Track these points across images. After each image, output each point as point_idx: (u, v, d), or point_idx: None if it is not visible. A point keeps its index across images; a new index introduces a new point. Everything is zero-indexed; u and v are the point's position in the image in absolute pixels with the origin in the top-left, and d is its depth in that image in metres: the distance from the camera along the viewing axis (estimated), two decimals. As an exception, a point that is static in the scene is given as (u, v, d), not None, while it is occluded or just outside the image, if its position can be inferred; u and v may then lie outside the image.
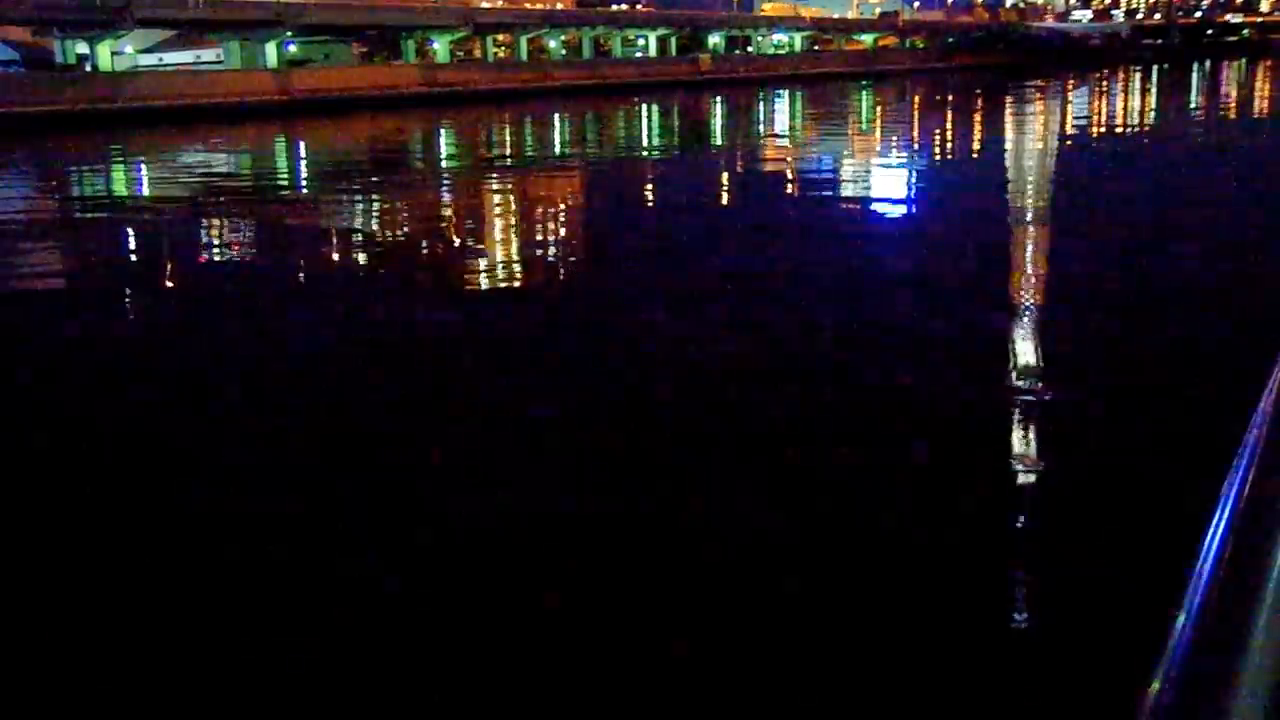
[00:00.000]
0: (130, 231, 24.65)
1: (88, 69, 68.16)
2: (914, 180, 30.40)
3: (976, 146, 43.05)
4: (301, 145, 50.40)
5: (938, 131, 49.80)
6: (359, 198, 30.27)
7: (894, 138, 46.17)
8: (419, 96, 74.02)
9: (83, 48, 69.66)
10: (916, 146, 41.69)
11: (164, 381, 11.84)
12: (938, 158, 37.71)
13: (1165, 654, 1.39)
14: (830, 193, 28.30)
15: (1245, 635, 1.43)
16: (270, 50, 75.51)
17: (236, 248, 22.59)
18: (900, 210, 25.11)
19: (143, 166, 41.10)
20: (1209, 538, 1.74)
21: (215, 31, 76.04)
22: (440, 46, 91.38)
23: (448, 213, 27.52)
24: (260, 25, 73.43)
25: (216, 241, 23.14)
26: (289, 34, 76.85)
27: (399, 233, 24.36)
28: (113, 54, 70.33)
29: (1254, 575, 1.57)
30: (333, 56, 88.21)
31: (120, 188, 35.38)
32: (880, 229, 22.51)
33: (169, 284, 18.49)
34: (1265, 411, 2.41)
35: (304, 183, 36.37)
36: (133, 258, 21.91)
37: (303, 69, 77.28)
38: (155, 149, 47.31)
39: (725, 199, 29.10)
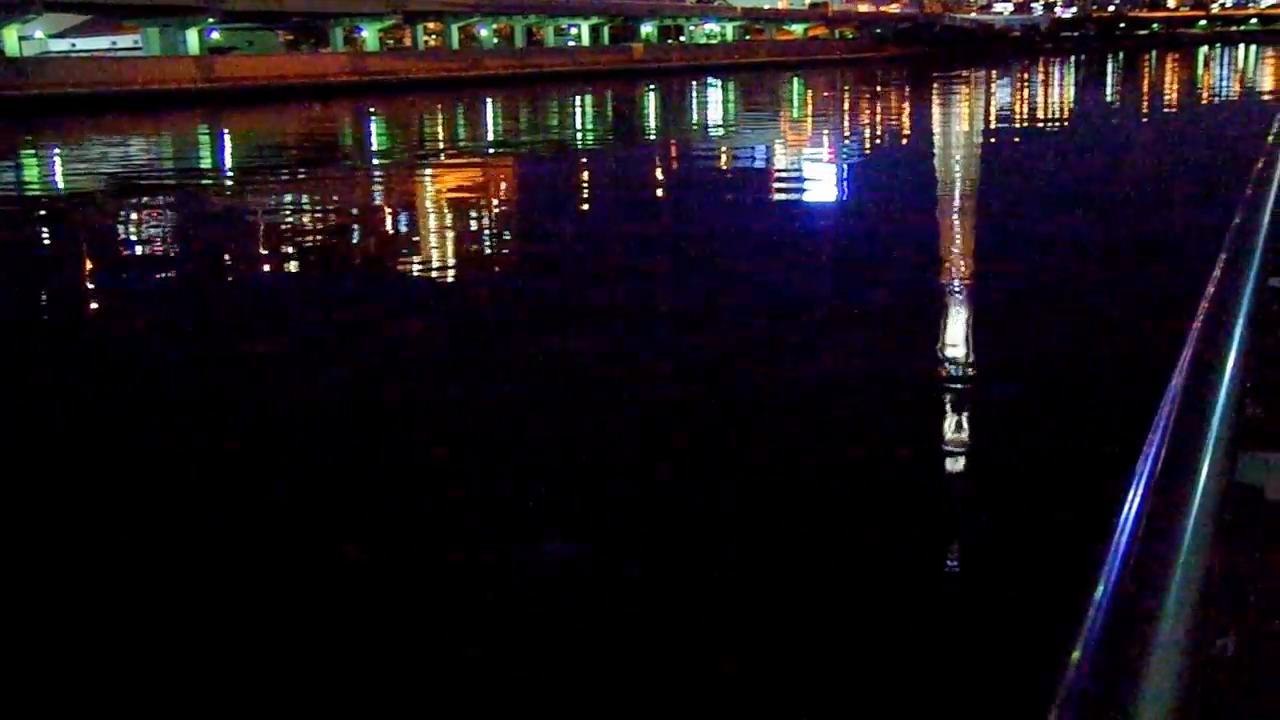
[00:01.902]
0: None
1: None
2: (844, 170, 30.72)
3: (905, 135, 43.49)
4: (225, 135, 49.31)
5: (867, 120, 50.28)
6: (280, 192, 29.53)
7: (825, 127, 46.50)
8: (348, 85, 72.87)
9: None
10: (848, 136, 42.06)
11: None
12: (867, 147, 38.09)
13: (1083, 624, 1.44)
14: (762, 182, 28.61)
15: (1159, 610, 1.50)
16: (192, 37, 73.71)
17: (137, 246, 21.49)
18: (828, 197, 25.58)
19: (41, 155, 39.99)
20: (1123, 514, 1.81)
21: (133, 17, 74.07)
22: (369, 34, 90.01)
23: (358, 211, 25.74)
24: (181, 11, 71.66)
25: (116, 239, 22.10)
26: (211, 20, 75.10)
27: (314, 228, 23.49)
28: (20, 39, 68.13)
29: (1163, 557, 1.65)
30: (257, 44, 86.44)
31: (26, 176, 34.38)
32: (808, 214, 23.00)
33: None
34: (1177, 387, 2.51)
35: (226, 175, 35.69)
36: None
37: (227, 56, 75.62)
38: (64, 138, 46.01)
39: (655, 192, 29.07)
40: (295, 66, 75.27)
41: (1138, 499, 1.83)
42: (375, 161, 37.66)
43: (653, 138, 44.54)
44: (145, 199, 27.62)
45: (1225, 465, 2.46)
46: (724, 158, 35.10)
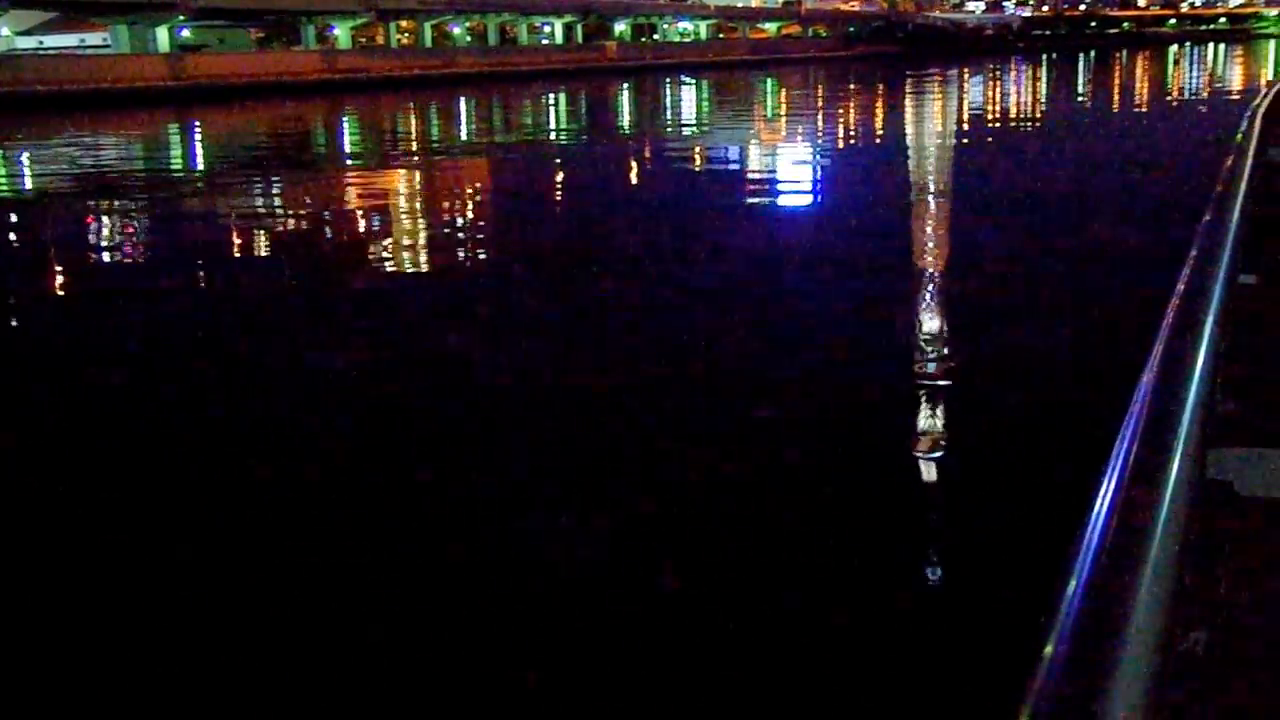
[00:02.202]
0: None
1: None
2: (819, 171, 30.85)
3: (879, 135, 43.63)
4: (195, 134, 48.95)
5: (842, 119, 50.43)
6: (247, 193, 29.22)
7: (799, 127, 46.58)
8: (320, 84, 72.39)
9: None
10: (822, 136, 42.17)
11: None
12: (842, 146, 38.24)
13: (1054, 622, 1.43)
14: (732, 181, 28.68)
15: (1130, 606, 1.49)
16: (162, 34, 73.07)
17: (102, 249, 21.21)
18: (796, 193, 25.71)
19: (7, 154, 39.55)
20: (1094, 511, 1.81)
21: (101, 14, 73.31)
22: (341, 32, 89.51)
23: (329, 212, 25.32)
24: (151, 8, 70.99)
25: (81, 242, 21.78)
26: (182, 18, 74.46)
27: (284, 229, 23.24)
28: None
29: (1134, 554, 1.64)
30: (228, 42, 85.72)
31: None
32: (773, 210, 23.19)
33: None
34: (1148, 384, 2.51)
35: (195, 176, 35.41)
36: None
37: (197, 54, 74.98)
38: (32, 136, 45.52)
39: (630, 192, 29.02)
40: (267, 65, 74.73)
41: (1109, 495, 1.82)
42: (346, 162, 37.47)
43: (626, 136, 44.50)
44: (107, 200, 27.32)
45: (1196, 461, 2.46)
46: (697, 157, 35.13)
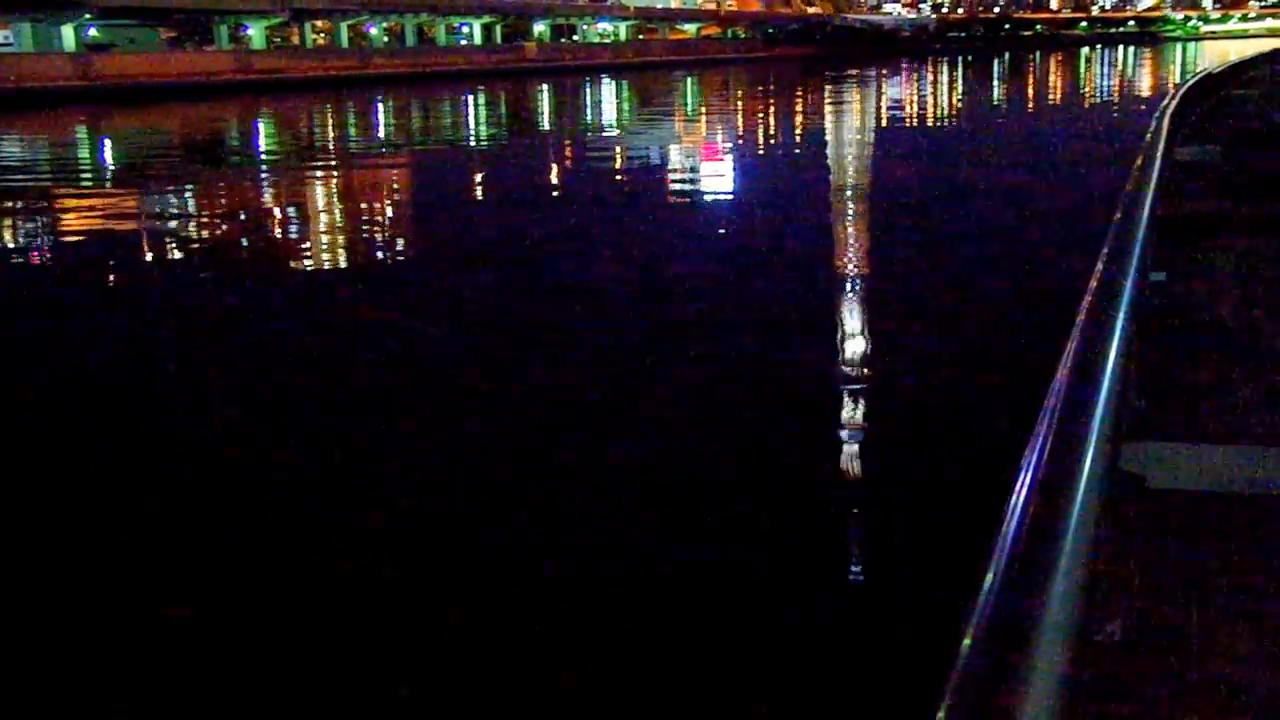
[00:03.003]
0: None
1: None
2: (738, 170, 31.06)
3: (799, 134, 44.05)
4: (98, 136, 47.70)
5: (762, 119, 50.84)
6: (154, 196, 28.48)
7: (719, 126, 46.83)
8: (234, 84, 70.96)
9: None
10: (742, 136, 42.45)
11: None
12: (761, 147, 38.55)
13: (971, 616, 1.44)
14: (653, 178, 28.84)
15: (1045, 598, 1.50)
16: (67, 33, 71.06)
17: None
18: (724, 198, 25.94)
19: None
20: (1010, 505, 1.82)
21: (2, 11, 70.96)
22: (255, 32, 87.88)
23: (231, 216, 24.94)
24: (54, 6, 68.94)
25: None
26: (88, 16, 72.47)
27: (191, 233, 22.83)
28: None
29: (1049, 547, 1.65)
30: (138, 42, 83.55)
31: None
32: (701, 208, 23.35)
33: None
34: (1061, 381, 2.54)
35: (101, 178, 34.52)
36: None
37: (106, 54, 73.02)
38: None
39: (545, 196, 28.90)
40: (179, 65, 73.09)
41: (1024, 490, 1.84)
42: (259, 163, 36.78)
43: (547, 136, 44.35)
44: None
45: (1109, 456, 2.51)
46: (617, 157, 35.18)
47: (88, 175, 34.00)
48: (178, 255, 19.46)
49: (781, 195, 25.19)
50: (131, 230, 22.18)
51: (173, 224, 23.14)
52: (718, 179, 28.42)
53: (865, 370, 11.17)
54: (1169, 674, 2.83)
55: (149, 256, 19.29)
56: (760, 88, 75.22)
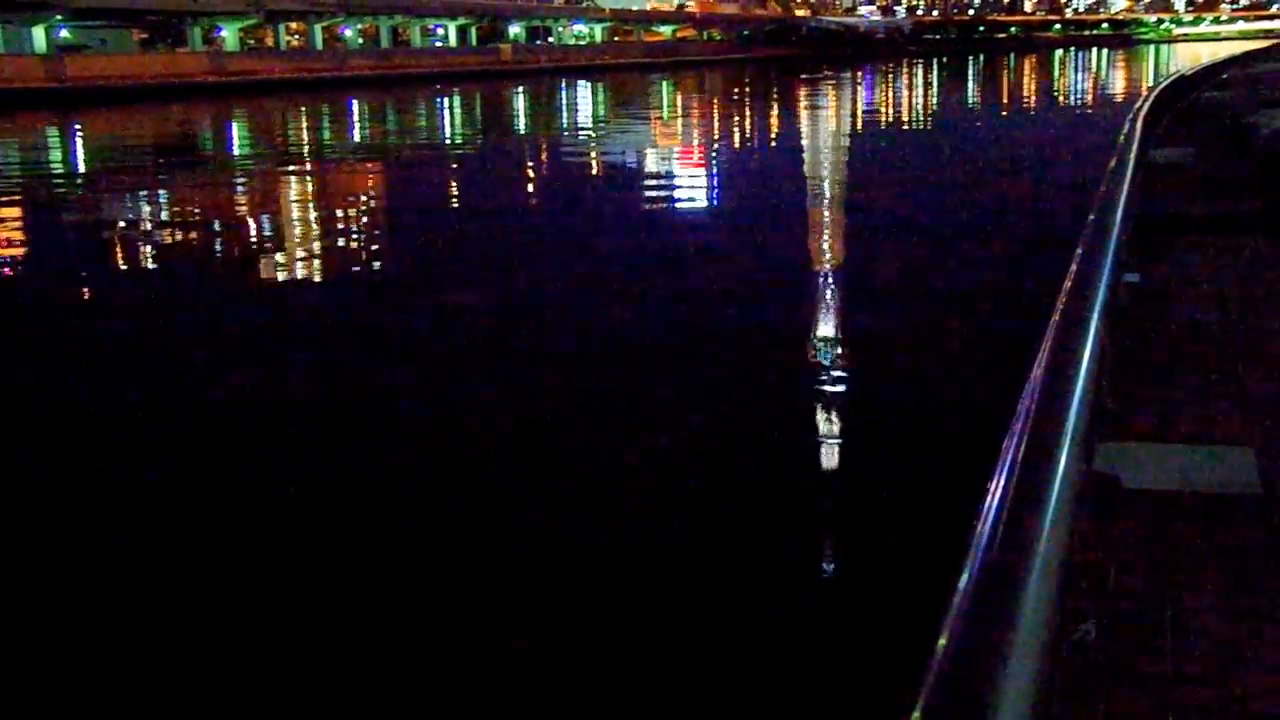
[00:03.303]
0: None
1: None
2: (715, 173, 31.15)
3: (774, 136, 44.15)
4: (70, 139, 47.29)
5: (737, 121, 50.92)
6: (126, 199, 28.24)
7: (695, 129, 46.88)
8: (208, 86, 70.41)
9: None
10: (717, 138, 42.50)
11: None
12: (737, 149, 38.63)
13: (948, 615, 1.43)
14: (628, 180, 28.90)
15: (1020, 598, 1.50)
16: (38, 34, 70.42)
17: None
18: (700, 204, 26.01)
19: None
20: (984, 506, 1.82)
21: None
22: (229, 34, 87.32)
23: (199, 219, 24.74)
24: (25, 7, 68.28)
25: None
26: (59, 18, 71.82)
27: (165, 237, 22.66)
28: None
29: (1024, 548, 1.65)
30: (111, 43, 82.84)
31: None
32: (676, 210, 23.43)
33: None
34: (1036, 382, 2.55)
35: (72, 180, 34.22)
36: None
37: (78, 55, 72.35)
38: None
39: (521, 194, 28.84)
40: (152, 66, 72.46)
41: (998, 491, 1.83)
42: (232, 166, 36.55)
43: (522, 139, 44.28)
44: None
45: (1084, 456, 2.51)
46: (592, 160, 35.16)
47: (53, 178, 33.69)
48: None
49: (755, 199, 25.21)
50: (78, 236, 22.07)
51: (118, 229, 22.95)
52: (693, 182, 28.46)
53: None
54: (1141, 673, 2.84)
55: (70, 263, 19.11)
56: (735, 90, 75.34)
